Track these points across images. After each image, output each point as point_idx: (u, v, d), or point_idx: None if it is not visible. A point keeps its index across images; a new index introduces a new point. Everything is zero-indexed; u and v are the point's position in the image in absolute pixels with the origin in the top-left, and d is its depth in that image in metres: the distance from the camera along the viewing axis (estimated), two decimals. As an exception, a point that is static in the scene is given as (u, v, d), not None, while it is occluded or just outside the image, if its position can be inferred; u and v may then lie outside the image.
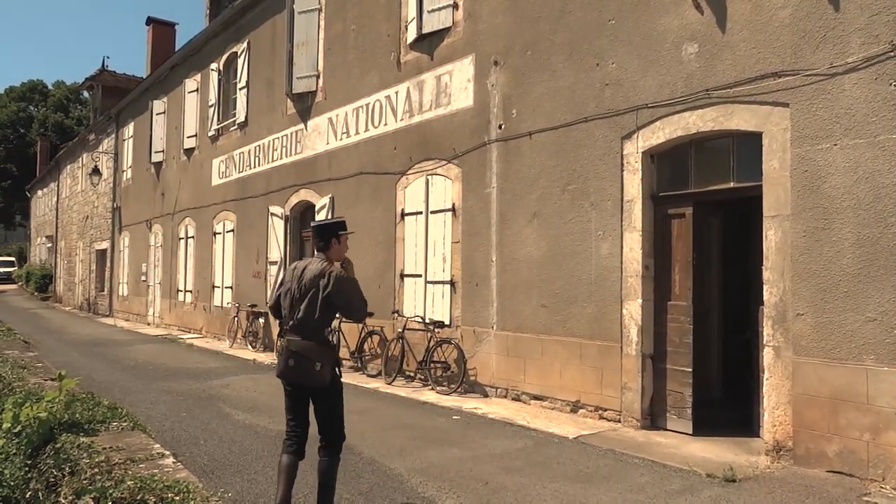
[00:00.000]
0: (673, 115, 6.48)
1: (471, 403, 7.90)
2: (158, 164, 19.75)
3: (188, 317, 17.39)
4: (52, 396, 4.26)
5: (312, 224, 4.54)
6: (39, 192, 39.58)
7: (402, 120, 10.06)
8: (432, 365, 8.90)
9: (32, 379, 6.47)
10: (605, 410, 6.99)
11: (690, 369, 6.44)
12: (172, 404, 8.00)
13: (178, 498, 2.95)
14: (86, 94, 34.94)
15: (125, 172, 22.97)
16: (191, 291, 17.34)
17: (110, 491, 2.95)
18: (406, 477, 5.13)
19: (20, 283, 39.87)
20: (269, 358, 11.66)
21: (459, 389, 8.54)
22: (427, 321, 9.14)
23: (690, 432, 6.33)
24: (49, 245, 35.81)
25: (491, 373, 8.38)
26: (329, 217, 11.42)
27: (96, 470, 3.35)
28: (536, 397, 7.77)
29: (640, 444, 6.09)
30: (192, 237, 17.35)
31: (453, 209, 9.06)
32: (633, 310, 6.74)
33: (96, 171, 23.70)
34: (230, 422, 7.06)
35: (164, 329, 18.35)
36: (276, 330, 11.12)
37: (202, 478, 5.04)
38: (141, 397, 8.43)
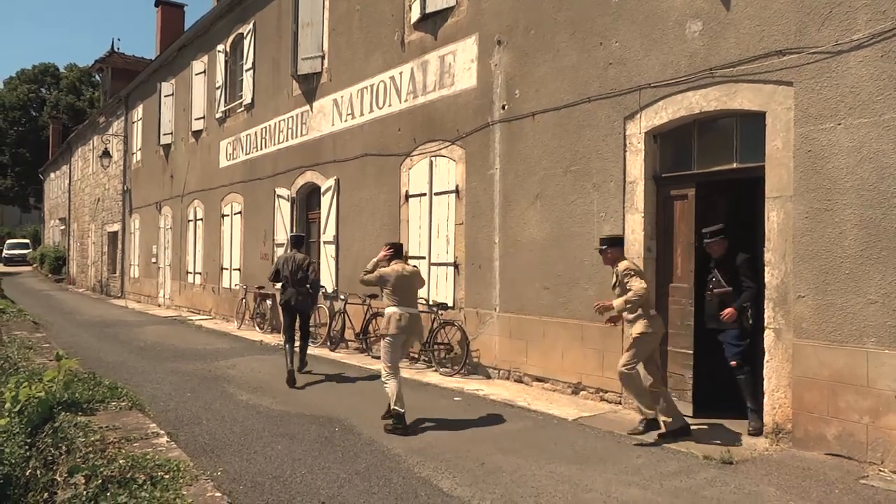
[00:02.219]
0: (676, 95, 6.39)
1: (473, 385, 7.93)
2: (167, 147, 19.82)
3: (198, 298, 17.53)
4: (51, 376, 4.32)
5: (293, 234, 9.42)
6: (52, 175, 39.88)
7: (406, 101, 10.00)
8: (435, 347, 8.93)
9: (38, 359, 6.57)
10: (606, 392, 6.98)
11: (691, 351, 6.41)
12: (178, 384, 8.08)
13: (167, 476, 2.98)
14: (97, 76, 35.02)
15: (135, 155, 23.07)
16: (200, 273, 17.47)
17: (101, 469, 2.99)
18: (404, 457, 5.17)
19: (35, 265, 40.31)
20: (276, 339, 11.75)
21: (462, 371, 8.57)
22: (430, 303, 9.15)
23: (690, 414, 6.31)
24: (62, 227, 36.13)
25: (494, 355, 8.39)
26: (333, 200, 11.47)
27: (90, 449, 3.40)
28: (538, 379, 7.78)
29: (635, 422, 6.07)
30: (201, 219, 17.44)
31: (457, 191, 9.03)
32: (635, 292, 6.70)
33: (106, 154, 23.83)
34: (233, 402, 7.13)
35: (174, 310, 18.52)
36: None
37: (202, 456, 5.12)
38: (148, 377, 8.52)
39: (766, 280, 5.69)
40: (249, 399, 7.28)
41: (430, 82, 9.50)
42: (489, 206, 8.51)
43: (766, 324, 5.70)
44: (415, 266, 7.02)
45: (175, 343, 11.98)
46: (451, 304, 9.05)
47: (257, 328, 13.66)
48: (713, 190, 6.79)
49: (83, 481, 2.97)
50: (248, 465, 4.96)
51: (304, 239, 9.46)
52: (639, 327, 5.67)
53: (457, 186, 9.04)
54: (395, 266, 6.44)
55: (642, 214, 6.70)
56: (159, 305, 20.13)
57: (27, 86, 53.52)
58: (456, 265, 9.02)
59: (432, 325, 8.93)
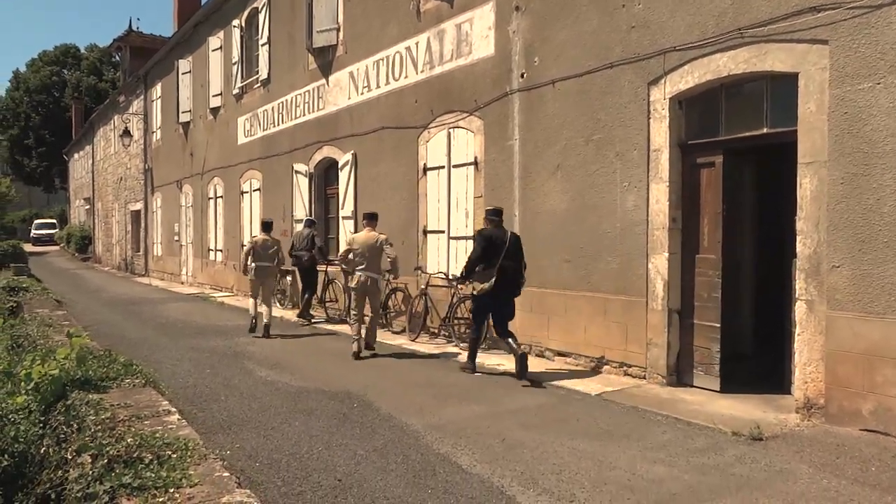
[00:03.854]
0: (703, 58, 6.11)
1: (493, 360, 7.81)
2: (186, 125, 19.79)
3: (219, 275, 17.60)
4: (65, 354, 4.26)
5: (308, 217, 10.81)
6: (76, 155, 40.26)
7: (422, 72, 9.77)
8: (455, 321, 8.80)
9: (56, 336, 6.55)
10: (630, 367, 6.82)
11: (719, 325, 6.21)
12: (198, 361, 8.08)
13: (175, 455, 2.89)
14: (116, 56, 35.07)
15: (155, 133, 23.10)
16: (221, 250, 17.51)
17: (108, 449, 2.91)
18: (422, 433, 5.07)
19: (62, 245, 40.94)
20: (296, 315, 11.73)
21: (483, 346, 8.44)
22: (450, 277, 9.02)
23: (718, 389, 6.14)
24: (87, 207, 36.54)
25: (514, 329, 8.21)
26: (351, 175, 11.34)
27: (99, 427, 3.33)
28: (560, 354, 7.63)
29: (664, 400, 5.93)
30: (221, 196, 17.44)
31: (476, 163, 8.83)
32: (660, 264, 6.50)
33: (127, 133, 23.94)
34: (252, 378, 7.10)
35: (196, 288, 18.64)
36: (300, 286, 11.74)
37: (219, 433, 5.08)
38: (168, 354, 8.54)
39: (798, 250, 5.45)
40: (268, 375, 7.24)
41: (447, 52, 9.26)
42: (508, 178, 8.31)
43: (797, 295, 5.47)
44: (382, 234, 8.33)
45: (196, 320, 12.02)
46: (470, 278, 8.90)
47: (277, 304, 13.62)
48: (741, 157, 6.52)
49: (90, 461, 2.89)
50: (265, 442, 4.90)
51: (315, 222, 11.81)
52: None
53: (475, 158, 8.84)
54: (365, 234, 8.22)
55: (667, 183, 6.46)
56: (182, 283, 20.28)
57: (49, 68, 53.89)
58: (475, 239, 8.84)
59: (452, 300, 8.80)
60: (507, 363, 7.60)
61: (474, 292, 7.12)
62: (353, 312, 8.34)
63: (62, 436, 3.69)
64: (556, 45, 7.60)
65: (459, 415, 5.61)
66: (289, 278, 13.38)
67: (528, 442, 4.84)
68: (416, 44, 9.85)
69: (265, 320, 9.92)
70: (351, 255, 8.19)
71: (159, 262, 22.99)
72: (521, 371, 6.71)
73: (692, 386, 6.36)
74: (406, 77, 10.14)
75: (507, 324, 7.10)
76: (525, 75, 8.03)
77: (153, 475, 2.64)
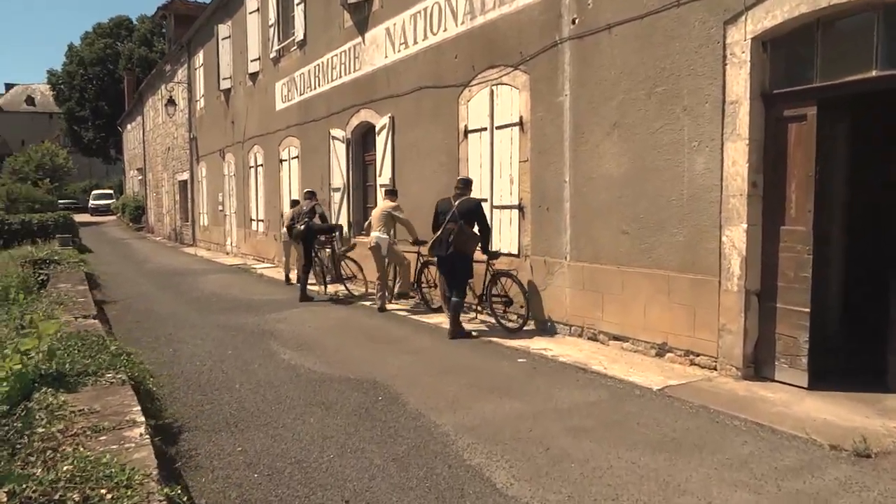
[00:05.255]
0: (795, -13, 5.04)
1: (540, 343, 7.01)
2: (227, 92, 19.33)
3: (261, 246, 17.22)
4: (32, 345, 3.66)
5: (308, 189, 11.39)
6: (129, 126, 40.70)
7: (462, 23, 8.85)
8: (493, 299, 8.01)
9: (64, 317, 6.08)
10: (698, 356, 5.91)
11: (808, 309, 5.23)
12: (222, 340, 7.55)
13: (109, 496, 2.22)
14: (163, 25, 34.96)
15: (198, 102, 22.78)
16: (262, 220, 17.09)
17: (26, 488, 2.26)
18: (453, 437, 4.34)
19: (118, 215, 41.73)
20: (333, 288, 11.14)
21: (527, 326, 7.65)
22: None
23: (805, 385, 5.19)
24: (140, 177, 36.96)
25: (564, 309, 7.41)
26: (388, 139, 10.58)
27: (42, 445, 2.70)
28: (616, 337, 6.77)
29: (740, 399, 5.03)
30: (262, 165, 16.95)
31: (521, 123, 7.92)
32: (736, 237, 5.54)
33: (171, 102, 23.72)
34: (274, 362, 6.50)
35: (240, 258, 18.35)
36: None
37: (223, 431, 4.48)
38: (193, 332, 8.04)
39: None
40: (291, 358, 6.62)
41: (490, -1, 8.31)
42: (558, 140, 7.39)
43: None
44: (393, 203, 9.32)
45: (232, 293, 11.58)
46: (515, 251, 8.08)
47: (313, 278, 13.08)
48: (835, 109, 5.44)
49: (5, 499, 2.26)
50: (271, 445, 4.25)
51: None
52: None
53: (521, 118, 7.92)
54: (380, 206, 9.48)
55: (746, 142, 5.45)
56: (227, 253, 20.05)
57: (104, 40, 54.64)
58: (521, 207, 7.99)
59: (485, 278, 8.00)
60: (555, 348, 6.79)
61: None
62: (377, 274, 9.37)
63: (18, 446, 3.08)
64: (613, -17, 6.58)
65: (497, 413, 4.85)
66: (327, 250, 12.78)
67: (577, 453, 4.05)
68: (456, -8, 8.91)
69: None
70: (372, 222, 9.37)
71: (205, 233, 22.86)
72: (451, 331, 7.44)
73: (772, 380, 5.43)
74: (445, 30, 9.24)
75: (456, 287, 7.51)
76: (577, 21, 7.04)
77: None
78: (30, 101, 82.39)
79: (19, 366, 3.55)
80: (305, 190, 11.99)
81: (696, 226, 5.87)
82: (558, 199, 7.40)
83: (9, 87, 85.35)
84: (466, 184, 7.73)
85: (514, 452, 4.06)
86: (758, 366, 5.55)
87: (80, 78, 52.88)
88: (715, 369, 5.74)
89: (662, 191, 6.17)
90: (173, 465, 3.87)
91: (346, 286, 11.02)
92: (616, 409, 4.91)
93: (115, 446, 2.73)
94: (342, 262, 11.32)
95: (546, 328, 7.65)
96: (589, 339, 7.08)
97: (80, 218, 36.19)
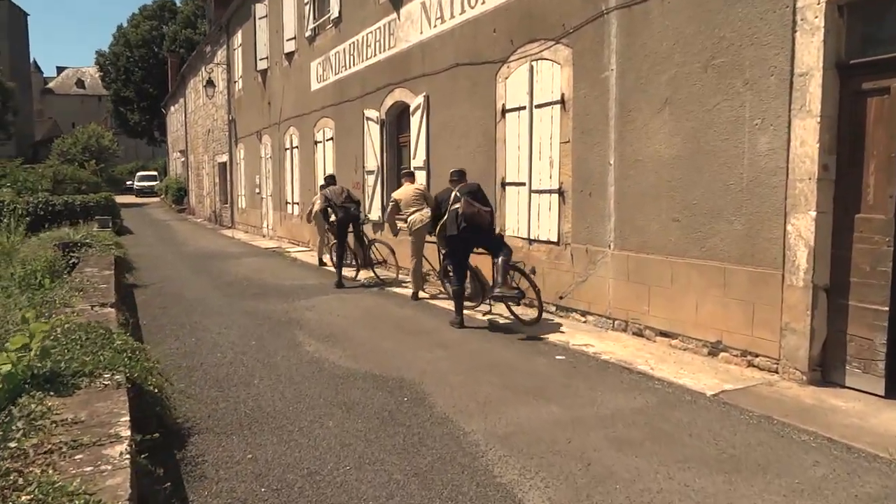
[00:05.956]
0: (881, -60, 4.39)
1: (580, 338, 6.52)
2: (264, 72, 19.10)
3: (297, 229, 17.00)
4: (20, 343, 3.36)
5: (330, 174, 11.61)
6: (172, 108, 41.08)
7: (501, -6, 8.30)
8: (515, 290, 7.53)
9: (80, 304, 5.85)
10: (757, 356, 5.36)
11: (886, 308, 4.62)
12: (247, 329, 7.27)
13: (61, 542, 1.87)
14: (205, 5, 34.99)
15: (237, 83, 22.65)
16: (298, 203, 16.87)
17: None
18: (483, 448, 3.92)
19: (161, 197, 42.33)
20: (365, 275, 10.81)
21: (545, 316, 7.18)
22: (530, 239, 7.74)
23: (881, 394, 4.62)
24: (182, 159, 37.32)
25: (606, 301, 6.90)
26: (422, 119, 10.13)
27: (8, 465, 2.37)
28: (663, 333, 6.24)
29: (808, 408, 4.48)
30: (297, 147, 16.70)
31: (562, 101, 7.38)
32: (803, 225, 4.95)
33: (210, 84, 23.63)
34: (298, 354, 6.17)
35: (275, 242, 18.21)
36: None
37: (234, 435, 4.16)
38: (219, 320, 7.79)
39: None
40: (316, 351, 6.29)
41: (530, -33, 7.74)
42: (602, 119, 6.83)
43: None
44: (421, 185, 9.54)
45: (264, 278, 11.36)
46: (555, 238, 7.58)
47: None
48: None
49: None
50: (284, 452, 3.91)
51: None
52: None
53: (562, 96, 7.38)
54: (404, 188, 9.22)
55: (817, 119, 4.84)
56: (264, 236, 19.95)
57: (150, 22, 55.29)
58: (561, 192, 7.47)
59: (493, 269, 7.51)
60: (597, 343, 6.31)
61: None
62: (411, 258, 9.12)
63: (-3, 458, 2.76)
64: (666, -56, 5.97)
65: (532, 419, 4.41)
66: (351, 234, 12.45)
67: (622, 471, 3.59)
68: (495, -39, 8.35)
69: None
70: (401, 205, 8.98)
71: (243, 215, 22.83)
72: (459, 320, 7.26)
73: (842, 386, 4.86)
74: (483, 2, 8.70)
75: (462, 272, 7.46)
76: (625, -12, 6.45)
77: None
78: (80, 83, 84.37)
79: (8, 366, 3.25)
80: (327, 175, 11.93)
81: (756, 213, 5.29)
82: (602, 183, 6.87)
83: (60, 70, 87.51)
84: (461, 174, 7.52)
85: (551, 469, 3.63)
86: (825, 370, 4.98)
87: (126, 60, 53.64)
88: (776, 372, 5.18)
89: (719, 174, 5.59)
90: (177, 472, 3.57)
91: (374, 271, 10.69)
92: (665, 416, 4.42)
93: (89, 468, 2.39)
94: (372, 247, 10.96)
95: (586, 321, 7.15)
96: (634, 334, 6.56)
97: (124, 199, 36.85)
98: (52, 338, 4.07)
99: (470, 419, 4.41)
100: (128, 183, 48.58)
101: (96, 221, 16.95)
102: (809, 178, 4.90)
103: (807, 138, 4.91)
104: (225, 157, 25.09)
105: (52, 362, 3.55)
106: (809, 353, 4.96)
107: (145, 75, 53.45)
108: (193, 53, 30.92)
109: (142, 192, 47.87)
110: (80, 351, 3.89)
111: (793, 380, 5.02)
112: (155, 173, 51.45)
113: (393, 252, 10.60)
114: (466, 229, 6.94)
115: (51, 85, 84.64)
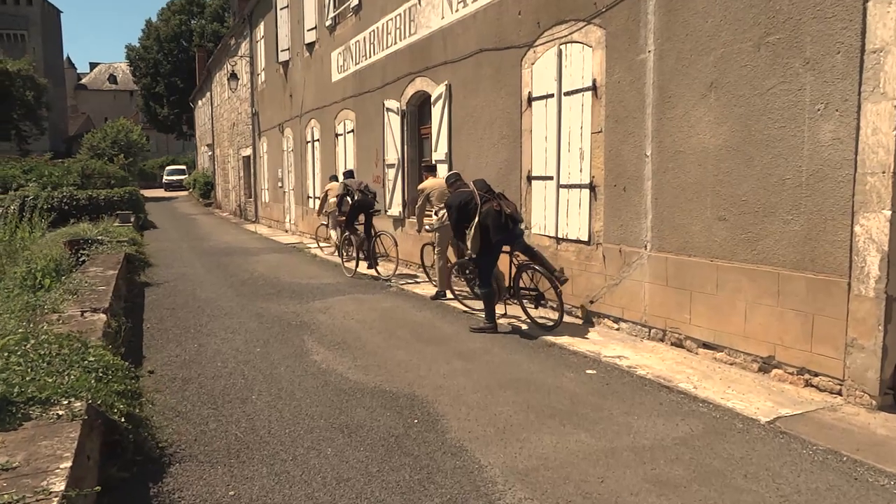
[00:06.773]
0: None
1: (613, 349, 5.92)
2: (285, 64, 18.70)
3: (317, 224, 16.58)
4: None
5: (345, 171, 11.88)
6: (199, 103, 41.06)
7: (527, -27, 7.69)
8: (522, 292, 6.99)
9: (70, 310, 5.43)
10: (816, 376, 4.71)
11: (975, 324, 3.97)
12: (254, 333, 6.81)
13: None
14: (230, -1, 34.81)
15: (259, 76, 22.33)
16: (319, 198, 16.42)
17: None
18: (501, 487, 3.37)
19: (189, 191, 42.44)
20: (386, 271, 10.31)
21: (566, 319, 6.58)
22: (560, 238, 7.13)
23: (969, 424, 3.96)
24: (210, 153, 37.27)
25: (641, 307, 6.29)
26: (444, 110, 9.57)
27: None
28: (707, 345, 5.61)
29: (881, 442, 3.84)
30: (318, 140, 16.26)
31: (594, 87, 6.76)
32: (875, 226, 4.29)
33: (234, 77, 23.35)
34: (304, 365, 5.68)
35: (297, 237, 17.84)
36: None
37: (218, 465, 3.70)
38: (226, 323, 7.36)
39: None
40: (324, 360, 5.80)
41: (559, -58, 7.11)
42: (638, 106, 6.20)
43: None
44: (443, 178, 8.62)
45: (280, 276, 10.93)
46: (585, 237, 6.97)
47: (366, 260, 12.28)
48: None
49: None
50: (272, 487, 3.40)
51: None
52: None
53: (594, 82, 6.76)
54: (432, 182, 8.76)
55: (894, 102, 4.17)
56: (286, 231, 19.61)
57: (179, 16, 55.52)
58: (592, 187, 6.86)
59: (510, 269, 6.96)
60: (632, 355, 5.70)
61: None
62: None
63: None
64: None
65: (559, 449, 3.84)
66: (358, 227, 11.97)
67: (666, 523, 3.01)
68: (521, -62, 7.74)
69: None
70: (432, 199, 8.53)
71: (266, 209, 22.54)
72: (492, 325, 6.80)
73: (921, 413, 4.20)
74: (508, -17, 8.10)
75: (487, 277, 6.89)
76: (665, -40, 5.80)
77: None
78: (112, 79, 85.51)
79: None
80: (346, 170, 11.91)
81: (817, 212, 4.63)
82: (637, 177, 6.24)
83: (93, 66, 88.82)
84: (458, 176, 7.54)
85: (580, 518, 3.06)
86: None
87: (156, 54, 53.95)
88: (840, 394, 4.53)
89: (773, 167, 4.93)
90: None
91: (375, 266, 10.40)
92: (713, 449, 3.82)
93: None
94: (377, 239, 10.51)
95: (619, 330, 6.54)
96: (672, 344, 5.94)
97: (153, 193, 36.98)
98: (18, 353, 3.63)
99: (487, 449, 3.85)
100: (176, 178, 49.03)
101: (117, 216, 16.74)
102: (883, 172, 4.24)
103: (880, 125, 4.24)
104: (249, 151, 24.82)
105: (5, 386, 3.08)
106: (881, 375, 4.30)
107: (174, 70, 53.72)
108: (219, 46, 30.73)
109: (171, 186, 48.11)
110: (45, 370, 3.43)
111: (860, 404, 4.37)
112: (184, 167, 51.70)
113: (396, 245, 10.24)
114: (516, 228, 6.69)
115: (84, 80, 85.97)
